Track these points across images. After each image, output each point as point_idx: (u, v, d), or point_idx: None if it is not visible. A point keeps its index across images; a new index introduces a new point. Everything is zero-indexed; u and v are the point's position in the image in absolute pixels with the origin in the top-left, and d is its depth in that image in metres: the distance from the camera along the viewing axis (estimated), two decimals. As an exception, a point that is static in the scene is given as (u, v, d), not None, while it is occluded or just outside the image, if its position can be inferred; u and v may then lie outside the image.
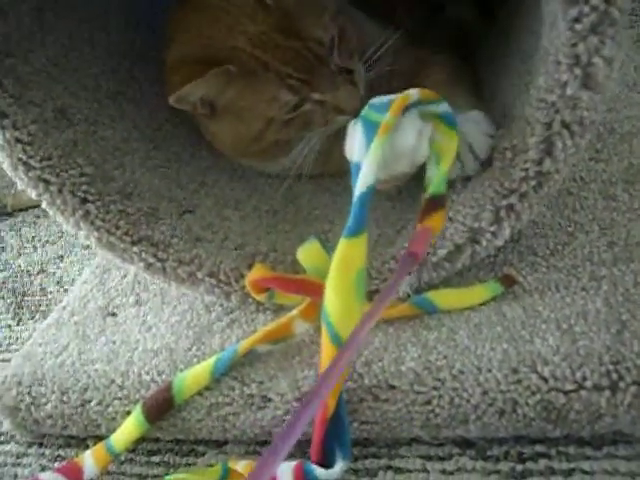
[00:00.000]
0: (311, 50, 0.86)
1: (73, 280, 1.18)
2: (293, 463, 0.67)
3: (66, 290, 1.17)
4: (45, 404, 0.81)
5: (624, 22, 0.62)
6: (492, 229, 0.74)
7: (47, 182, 0.79)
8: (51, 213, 0.82)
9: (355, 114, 0.87)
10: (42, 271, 1.26)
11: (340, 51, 0.90)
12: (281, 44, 0.86)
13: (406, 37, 1.00)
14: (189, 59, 0.89)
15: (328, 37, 0.88)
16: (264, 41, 0.86)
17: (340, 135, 0.92)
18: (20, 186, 0.80)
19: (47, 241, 1.35)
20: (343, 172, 0.93)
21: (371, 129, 0.69)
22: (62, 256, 1.29)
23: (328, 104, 0.90)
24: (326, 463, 0.68)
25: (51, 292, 1.19)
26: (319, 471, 0.66)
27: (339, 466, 0.66)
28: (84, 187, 0.81)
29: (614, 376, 0.65)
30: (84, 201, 0.81)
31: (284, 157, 0.95)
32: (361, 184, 0.68)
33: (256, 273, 0.80)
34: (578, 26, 0.62)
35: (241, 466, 0.71)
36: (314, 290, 0.77)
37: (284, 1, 0.86)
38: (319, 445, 0.68)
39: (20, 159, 0.78)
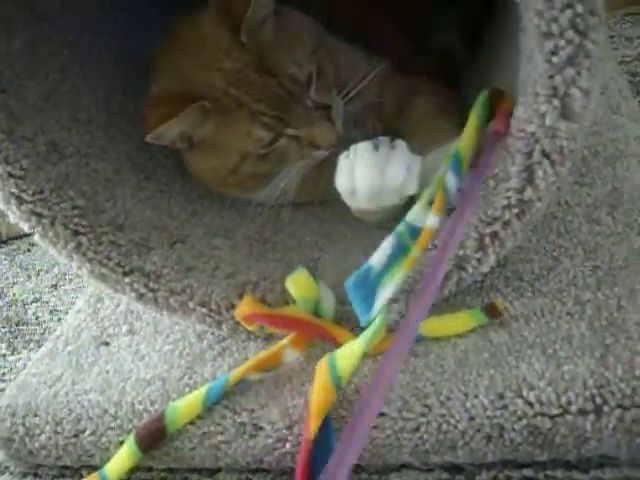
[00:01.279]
0: (284, 87, 0.87)
1: (67, 309, 1.19)
2: None
3: (60, 319, 1.18)
4: (39, 435, 0.82)
5: (599, 54, 0.64)
6: (477, 256, 0.76)
7: (39, 215, 0.80)
8: (43, 245, 0.83)
9: (331, 149, 0.91)
10: (36, 300, 1.27)
11: (317, 87, 0.91)
12: (255, 81, 0.87)
13: (392, 66, 1.01)
14: (167, 96, 0.90)
15: (304, 74, 0.89)
16: (239, 78, 0.87)
17: (325, 164, 0.94)
18: (12, 220, 0.81)
19: (41, 269, 1.36)
20: (330, 199, 0.95)
21: (399, 251, 0.71)
22: (56, 285, 1.29)
23: (303, 139, 0.91)
24: None
25: (45, 321, 1.20)
26: None
27: None
28: (76, 220, 0.82)
29: (598, 400, 0.66)
30: (76, 233, 0.82)
31: (263, 188, 0.96)
32: (379, 306, 0.70)
33: (246, 308, 0.81)
34: (554, 59, 0.63)
35: None
36: (302, 326, 0.79)
37: (260, 39, 0.87)
38: (303, 474, 0.68)
39: (12, 193, 0.79)
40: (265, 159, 0.92)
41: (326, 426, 0.70)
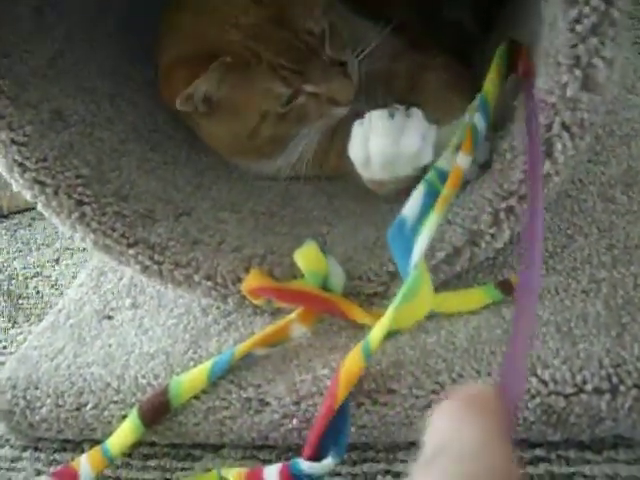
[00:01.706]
0: (303, 41, 0.87)
1: (69, 283, 1.17)
2: (279, 464, 0.67)
3: (62, 293, 1.16)
4: (40, 408, 0.81)
5: (624, 23, 0.62)
6: (491, 231, 0.74)
7: (43, 184, 0.79)
8: (47, 215, 0.81)
9: (349, 105, 0.91)
10: (38, 274, 1.25)
11: (332, 43, 0.90)
12: (273, 35, 0.86)
13: (405, 40, 1.00)
14: (184, 59, 0.88)
15: (319, 29, 0.88)
16: (256, 32, 0.86)
17: (335, 136, 0.92)
18: (15, 188, 0.80)
19: (43, 244, 1.34)
20: (340, 174, 0.94)
21: (431, 197, 0.68)
22: (58, 259, 1.28)
23: (322, 96, 0.90)
24: (317, 459, 0.67)
25: (47, 295, 1.18)
26: (306, 464, 0.66)
27: (327, 461, 0.66)
28: (80, 189, 0.80)
29: (614, 379, 0.65)
30: (80, 203, 0.80)
31: (280, 154, 0.95)
32: (417, 257, 0.65)
33: (252, 281, 0.79)
34: (578, 27, 0.61)
35: (232, 474, 0.70)
36: (310, 300, 0.78)
37: None
38: (316, 440, 0.67)
39: (15, 160, 0.77)
40: (284, 119, 0.90)
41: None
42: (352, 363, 0.68)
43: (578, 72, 0.63)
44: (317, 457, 0.67)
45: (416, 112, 0.79)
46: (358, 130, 0.82)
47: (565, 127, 0.66)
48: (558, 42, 0.63)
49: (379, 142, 0.78)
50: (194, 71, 0.83)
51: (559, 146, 0.67)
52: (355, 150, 0.82)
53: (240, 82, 0.88)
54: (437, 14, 1.13)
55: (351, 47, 0.94)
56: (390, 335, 0.69)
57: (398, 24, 0.99)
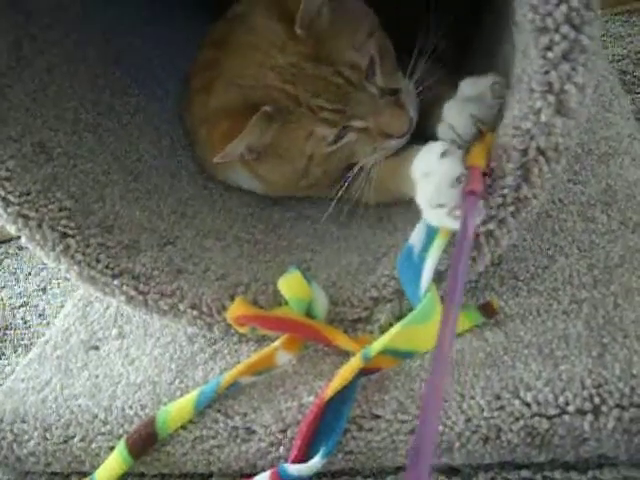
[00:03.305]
0: (343, 75, 0.83)
1: (56, 312, 1.17)
2: (269, 471, 0.68)
3: (49, 323, 1.16)
4: (28, 441, 0.80)
5: (594, 49, 0.63)
6: (472, 255, 0.75)
7: (26, 217, 0.79)
8: (31, 248, 0.82)
9: (406, 135, 0.87)
10: (25, 304, 1.25)
11: (382, 70, 0.87)
12: (311, 74, 0.83)
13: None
14: (226, 108, 0.87)
15: (366, 58, 0.85)
16: (293, 74, 0.83)
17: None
18: (-1, 222, 0.80)
19: (30, 273, 1.34)
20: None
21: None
22: (45, 288, 1.28)
23: (372, 130, 0.87)
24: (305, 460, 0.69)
25: (34, 325, 1.19)
26: (293, 468, 0.67)
27: (314, 461, 0.67)
28: (64, 221, 0.81)
29: (596, 400, 0.65)
30: (64, 235, 0.80)
31: (338, 184, 0.91)
32: (426, 281, 0.71)
33: (237, 309, 0.80)
34: (550, 54, 0.63)
35: None
36: (295, 328, 0.78)
37: (315, 27, 0.83)
38: (302, 443, 0.69)
39: (-2, 195, 0.78)
40: (334, 156, 0.88)
41: (344, 394, 0.70)
42: (350, 364, 0.70)
43: (551, 98, 0.64)
44: (305, 459, 0.68)
45: None
46: (423, 160, 0.74)
47: (540, 151, 0.67)
48: (530, 69, 0.65)
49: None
50: (235, 124, 0.82)
51: (536, 170, 0.68)
52: (415, 176, 0.75)
53: (283, 128, 0.86)
54: (413, 40, 1.13)
55: (402, 70, 0.90)
56: (404, 356, 0.73)
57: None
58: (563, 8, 0.60)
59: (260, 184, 0.99)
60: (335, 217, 0.93)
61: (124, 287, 0.82)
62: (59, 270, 0.83)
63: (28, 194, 0.79)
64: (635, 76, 1.41)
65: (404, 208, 0.83)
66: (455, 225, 0.68)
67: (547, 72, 0.64)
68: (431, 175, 0.71)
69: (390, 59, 0.89)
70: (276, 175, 0.94)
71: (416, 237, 0.73)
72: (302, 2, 0.80)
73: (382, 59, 0.87)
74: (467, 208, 0.66)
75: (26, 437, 0.81)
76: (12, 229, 0.80)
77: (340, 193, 0.91)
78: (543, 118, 0.65)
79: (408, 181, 0.76)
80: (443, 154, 0.71)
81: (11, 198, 0.78)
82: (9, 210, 0.78)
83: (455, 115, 0.81)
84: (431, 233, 0.72)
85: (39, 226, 0.79)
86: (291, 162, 0.89)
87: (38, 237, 0.80)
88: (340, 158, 0.89)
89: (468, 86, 0.82)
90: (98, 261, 0.81)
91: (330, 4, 0.85)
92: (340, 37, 0.84)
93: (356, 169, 0.89)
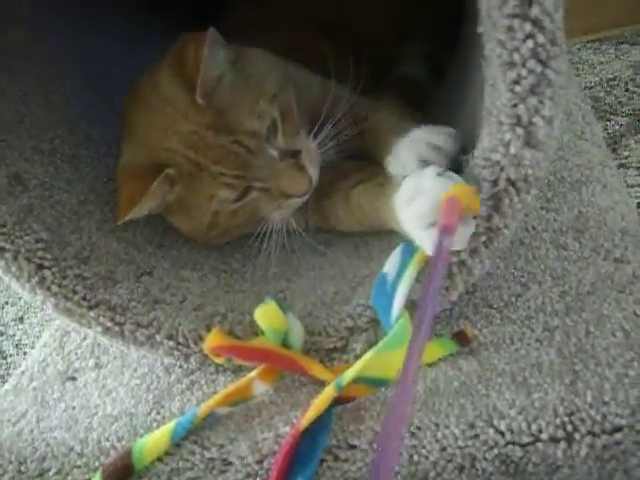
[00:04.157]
0: (242, 144, 0.85)
1: (33, 342, 1.17)
2: None
3: (25, 353, 1.15)
4: (2, 475, 0.79)
5: (561, 82, 0.65)
6: (445, 285, 0.75)
7: (2, 249, 0.79)
8: (6, 280, 0.81)
9: (306, 194, 0.90)
10: (1, 333, 1.24)
11: (284, 132, 0.89)
12: (211, 142, 0.85)
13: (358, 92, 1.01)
14: (132, 167, 0.89)
15: (265, 124, 0.86)
16: (195, 141, 0.85)
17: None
18: (-26, 254, 0.79)
19: (6, 302, 1.33)
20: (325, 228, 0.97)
21: (409, 253, 0.73)
22: (22, 318, 1.27)
23: (273, 191, 0.89)
24: None
25: (10, 355, 1.18)
26: None
27: None
28: (40, 253, 0.81)
29: (569, 427, 0.66)
30: (40, 267, 0.80)
31: (252, 230, 0.95)
32: (397, 308, 0.71)
33: (214, 340, 0.80)
34: (517, 88, 0.64)
35: None
36: (271, 358, 0.78)
37: (216, 97, 0.85)
38: (278, 476, 0.68)
39: (-26, 227, 0.77)
40: (239, 212, 0.91)
41: (320, 424, 0.70)
42: (324, 394, 0.70)
43: (520, 130, 0.66)
44: None
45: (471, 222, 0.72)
46: (410, 185, 0.75)
47: (511, 182, 0.69)
48: (499, 102, 0.66)
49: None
50: (139, 187, 0.83)
51: (506, 201, 0.70)
52: (403, 195, 0.76)
53: (186, 189, 0.88)
54: (391, 69, 1.15)
55: (308, 125, 0.93)
56: (378, 384, 0.72)
57: (347, 78, 1.01)
58: (529, 43, 0.62)
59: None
60: (311, 246, 0.94)
61: (100, 318, 0.82)
62: (36, 301, 0.83)
63: (4, 226, 0.79)
64: (607, 103, 1.44)
65: (380, 237, 0.84)
66: (450, 243, 0.68)
67: (515, 105, 0.65)
68: (422, 195, 0.72)
69: (293, 119, 0.91)
70: (186, 227, 0.96)
71: (390, 265, 0.74)
72: (200, 73, 0.81)
73: (284, 120, 0.89)
74: (440, 244, 0.66)
75: (0, 471, 0.80)
76: (-13, 261, 0.80)
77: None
78: (512, 150, 0.67)
79: (388, 211, 0.77)
80: (439, 174, 0.72)
81: (-14, 230, 0.78)
82: (-16, 242, 0.78)
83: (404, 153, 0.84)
84: (405, 261, 0.72)
85: (15, 258, 0.79)
86: (197, 217, 0.92)
87: (14, 269, 0.80)
88: (247, 213, 0.92)
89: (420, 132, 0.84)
90: (75, 292, 0.81)
91: (233, 69, 0.88)
92: (241, 105, 0.86)
93: (265, 224, 0.93)
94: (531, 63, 0.63)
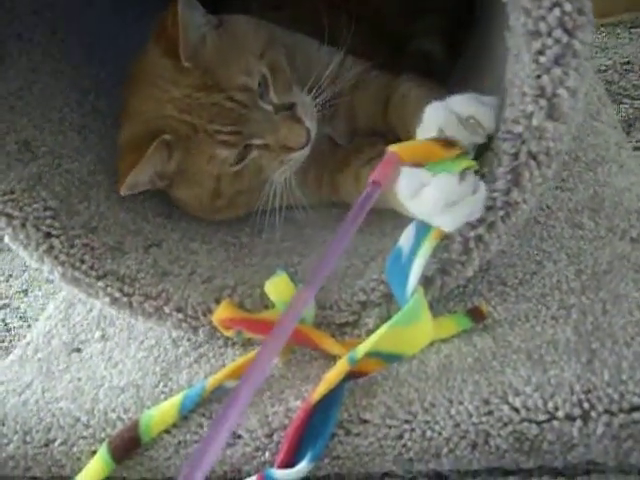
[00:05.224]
0: (234, 99, 0.85)
1: (37, 315, 1.16)
2: (254, 477, 0.67)
3: (30, 325, 1.15)
4: (7, 445, 0.79)
5: (586, 54, 0.63)
6: (461, 259, 0.74)
7: (10, 216, 0.78)
8: (14, 247, 0.81)
9: (306, 147, 0.89)
10: (6, 306, 1.23)
11: (275, 87, 0.89)
12: (204, 102, 0.85)
13: (371, 66, 1.01)
14: (131, 140, 0.89)
15: (255, 79, 0.87)
16: (188, 104, 0.85)
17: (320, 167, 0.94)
18: (-18, 220, 0.79)
19: (11, 275, 1.32)
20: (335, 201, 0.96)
21: (424, 226, 0.72)
22: (26, 290, 1.26)
23: (272, 146, 0.89)
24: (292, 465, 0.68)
25: (15, 327, 1.17)
26: (279, 473, 0.66)
27: (301, 465, 0.66)
28: (48, 221, 0.80)
29: (586, 405, 0.65)
30: (48, 235, 0.80)
31: (255, 202, 0.93)
32: (413, 283, 0.70)
33: (223, 312, 0.79)
34: (542, 58, 0.63)
35: None
36: None
37: (203, 58, 0.86)
38: (289, 448, 0.68)
39: (-19, 193, 0.76)
40: (242, 175, 0.90)
41: (332, 398, 0.69)
42: (336, 368, 0.69)
43: (543, 102, 0.65)
44: (292, 463, 0.67)
45: (482, 189, 0.70)
46: (414, 176, 0.71)
47: (532, 156, 0.67)
48: (523, 73, 0.65)
49: (433, 198, 0.69)
50: (139, 156, 0.83)
51: (526, 174, 0.68)
52: (406, 186, 0.71)
53: (186, 154, 0.88)
54: (406, 44, 1.14)
55: (301, 84, 0.93)
56: (391, 359, 0.71)
57: (364, 53, 1.00)
58: (556, 12, 0.61)
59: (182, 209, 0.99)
60: (323, 221, 0.93)
61: (108, 289, 0.81)
62: (42, 272, 0.82)
63: (12, 192, 0.78)
64: (620, 86, 1.43)
65: (393, 212, 0.83)
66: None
67: (539, 76, 0.64)
68: (428, 188, 0.69)
69: (284, 75, 0.91)
70: (191, 199, 0.95)
71: (405, 239, 0.73)
72: (180, 37, 0.82)
73: (275, 76, 0.89)
74: (366, 197, 0.69)
75: (5, 440, 0.79)
76: (-5, 228, 0.79)
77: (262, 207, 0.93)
78: (535, 122, 0.66)
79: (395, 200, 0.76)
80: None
81: (-6, 196, 0.77)
82: (-8, 208, 0.77)
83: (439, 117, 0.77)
84: (420, 235, 0.71)
85: (23, 225, 0.79)
86: (200, 185, 0.91)
87: (22, 236, 0.79)
88: (249, 175, 0.91)
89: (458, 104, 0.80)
90: (82, 262, 0.80)
91: (216, 32, 0.89)
92: (228, 64, 0.87)
93: (269, 186, 0.92)
94: (557, 32, 0.61)
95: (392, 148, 0.71)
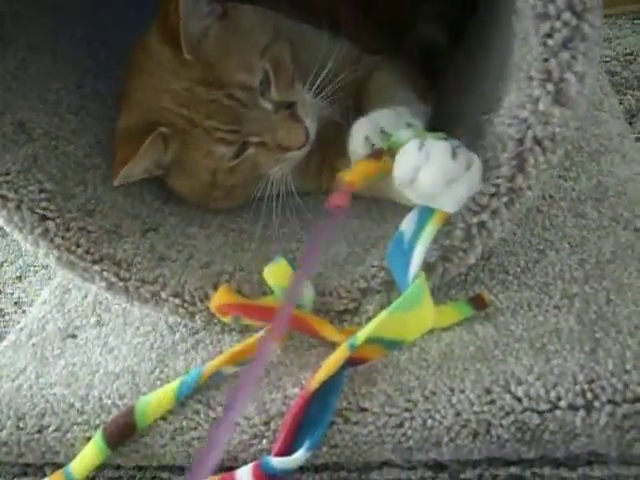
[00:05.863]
0: (234, 97, 0.83)
1: (32, 301, 1.15)
2: (251, 464, 0.66)
3: (24, 311, 1.13)
4: (0, 430, 0.78)
5: (595, 38, 0.62)
6: (463, 246, 0.74)
7: (5, 198, 0.77)
8: (9, 230, 0.79)
9: (304, 147, 0.88)
10: (0, 292, 1.22)
11: (278, 84, 0.87)
12: (203, 98, 0.83)
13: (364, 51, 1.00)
14: (127, 130, 0.88)
15: (258, 76, 0.85)
16: (187, 97, 0.84)
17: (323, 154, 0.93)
18: (-24, 202, 0.77)
19: (5, 261, 1.31)
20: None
21: (426, 211, 0.71)
22: (20, 276, 1.25)
23: (270, 144, 0.87)
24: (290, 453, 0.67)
25: (9, 313, 1.16)
26: (276, 461, 0.65)
27: (299, 454, 0.66)
28: (43, 204, 0.79)
29: (589, 395, 0.64)
30: (43, 218, 0.78)
31: (252, 194, 0.93)
32: (415, 268, 0.70)
33: (221, 298, 0.78)
34: (550, 41, 0.62)
35: None
36: None
37: (205, 52, 0.84)
38: (286, 436, 0.67)
39: (-24, 174, 0.75)
40: (238, 170, 0.88)
41: (331, 386, 0.68)
42: (336, 354, 0.69)
43: (550, 86, 0.64)
44: (289, 451, 0.66)
45: (477, 163, 0.69)
46: (411, 153, 0.70)
47: (537, 141, 0.67)
48: (530, 56, 0.64)
49: (431, 177, 0.68)
50: (135, 147, 0.81)
51: (531, 160, 0.67)
52: (402, 172, 0.70)
53: (182, 147, 0.86)
54: (408, 30, 1.13)
55: (304, 80, 0.91)
56: (392, 345, 0.70)
57: (364, 39, 0.99)
58: (565, -6, 0.59)
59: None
60: (322, 207, 0.92)
61: (104, 273, 0.80)
62: (36, 258, 0.81)
63: (7, 174, 0.77)
64: (623, 77, 1.42)
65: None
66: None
67: (547, 60, 0.63)
68: (424, 168, 0.68)
69: (287, 72, 0.89)
70: (187, 189, 0.93)
71: (407, 224, 0.71)
72: (181, 28, 0.80)
73: (278, 73, 0.87)
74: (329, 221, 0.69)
75: (-1, 426, 0.78)
76: (-10, 210, 0.78)
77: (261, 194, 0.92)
78: (541, 107, 0.65)
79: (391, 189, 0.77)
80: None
81: (-11, 177, 0.76)
82: (-14, 190, 0.76)
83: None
84: (423, 220, 0.70)
85: (18, 207, 0.77)
86: (197, 177, 0.90)
87: (16, 219, 0.78)
88: (246, 170, 0.89)
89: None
90: (78, 246, 0.79)
91: (220, 24, 0.86)
92: (230, 59, 0.85)
93: (264, 182, 0.91)
94: (566, 15, 0.60)
95: (346, 177, 0.72)
